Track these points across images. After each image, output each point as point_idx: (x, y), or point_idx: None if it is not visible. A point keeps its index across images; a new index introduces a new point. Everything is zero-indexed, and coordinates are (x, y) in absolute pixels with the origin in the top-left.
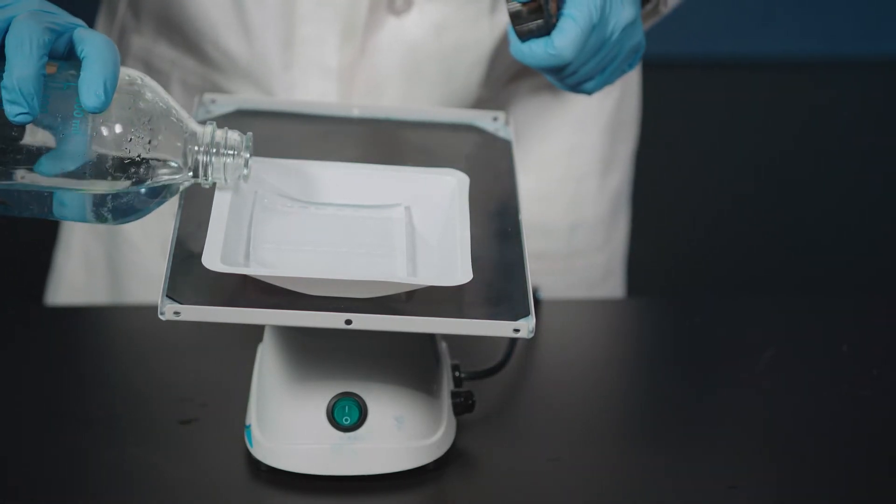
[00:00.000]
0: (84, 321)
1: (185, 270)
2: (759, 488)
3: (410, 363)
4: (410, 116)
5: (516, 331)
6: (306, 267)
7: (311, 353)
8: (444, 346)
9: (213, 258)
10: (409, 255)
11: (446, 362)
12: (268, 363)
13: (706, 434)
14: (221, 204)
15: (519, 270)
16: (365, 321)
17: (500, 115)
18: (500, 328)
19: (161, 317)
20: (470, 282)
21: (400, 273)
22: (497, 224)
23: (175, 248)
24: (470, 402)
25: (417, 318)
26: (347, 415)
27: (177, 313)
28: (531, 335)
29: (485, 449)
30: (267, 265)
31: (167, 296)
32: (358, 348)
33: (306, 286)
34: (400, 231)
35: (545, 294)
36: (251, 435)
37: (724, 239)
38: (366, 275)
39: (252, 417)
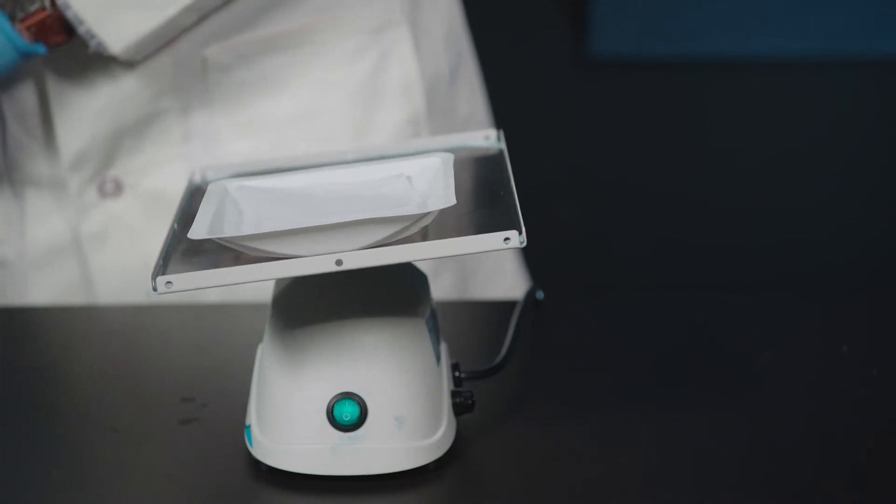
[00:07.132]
0: (84, 321)
1: (179, 256)
2: (759, 489)
3: (410, 363)
4: (405, 151)
5: (507, 240)
6: (294, 222)
7: (311, 352)
8: (444, 346)
9: (200, 231)
10: (399, 201)
11: (446, 362)
12: (268, 363)
13: (706, 434)
14: (210, 201)
15: (509, 199)
16: (355, 259)
17: (492, 133)
18: (490, 241)
19: (154, 292)
20: (458, 216)
21: (386, 211)
22: (486, 189)
23: (171, 239)
24: (470, 402)
25: (407, 245)
26: (347, 415)
27: (169, 283)
28: (523, 244)
29: (485, 449)
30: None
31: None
32: (358, 348)
33: (295, 242)
34: (391, 187)
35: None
36: (251, 435)
37: (723, 238)
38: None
39: (252, 417)
